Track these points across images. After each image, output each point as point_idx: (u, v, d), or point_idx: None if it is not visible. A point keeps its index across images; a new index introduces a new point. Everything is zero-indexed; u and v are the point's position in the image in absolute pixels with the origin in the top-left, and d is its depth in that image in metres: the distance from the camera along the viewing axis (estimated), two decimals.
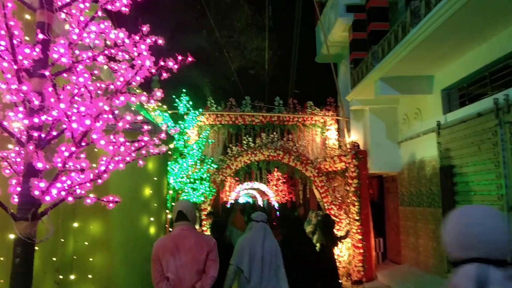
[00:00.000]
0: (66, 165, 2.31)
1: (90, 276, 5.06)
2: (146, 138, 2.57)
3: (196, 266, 3.48)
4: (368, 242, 10.35)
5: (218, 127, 11.72)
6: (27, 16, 3.16)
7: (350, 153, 10.60)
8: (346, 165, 10.66)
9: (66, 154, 2.27)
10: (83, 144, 2.36)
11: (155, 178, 5.92)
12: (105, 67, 2.80)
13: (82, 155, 2.65)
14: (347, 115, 11.91)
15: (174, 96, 9.30)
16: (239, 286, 4.39)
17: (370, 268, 10.25)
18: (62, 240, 4.63)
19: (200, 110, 10.05)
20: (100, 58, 2.70)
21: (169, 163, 7.84)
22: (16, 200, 2.74)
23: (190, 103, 9.32)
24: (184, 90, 9.32)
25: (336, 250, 8.55)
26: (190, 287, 3.46)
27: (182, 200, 3.80)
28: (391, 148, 10.53)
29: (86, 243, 5.02)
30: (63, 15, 2.75)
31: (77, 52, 2.50)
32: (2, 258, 3.24)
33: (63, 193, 2.40)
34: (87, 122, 2.22)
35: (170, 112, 9.12)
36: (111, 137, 2.45)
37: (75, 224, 4.90)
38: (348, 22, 11.47)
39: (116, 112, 2.46)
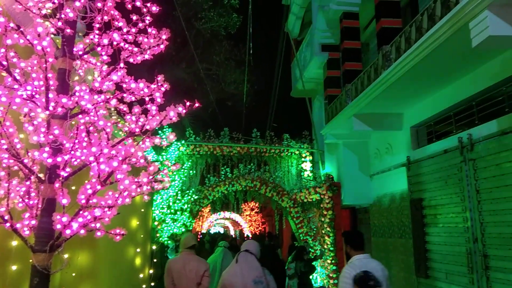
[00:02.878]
0: (90, 201, 2.51)
1: None
2: (166, 179, 2.82)
3: (196, 280, 4.80)
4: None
5: (196, 157, 11.88)
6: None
7: (324, 184, 10.98)
8: (321, 196, 11.01)
9: (90, 191, 2.49)
10: (107, 183, 2.58)
11: (142, 210, 6.05)
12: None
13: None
14: (321, 148, 12.36)
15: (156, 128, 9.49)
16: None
17: None
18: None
19: (183, 141, 10.24)
20: (113, 102, 2.95)
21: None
22: (27, 232, 2.90)
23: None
24: None
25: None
26: None
27: (192, 234, 5.21)
28: (363, 181, 10.92)
29: (73, 274, 5.06)
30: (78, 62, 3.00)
31: (95, 96, 2.75)
32: None
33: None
34: (115, 164, 2.45)
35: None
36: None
37: (66, 256, 4.96)
38: (323, 60, 12.10)
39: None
